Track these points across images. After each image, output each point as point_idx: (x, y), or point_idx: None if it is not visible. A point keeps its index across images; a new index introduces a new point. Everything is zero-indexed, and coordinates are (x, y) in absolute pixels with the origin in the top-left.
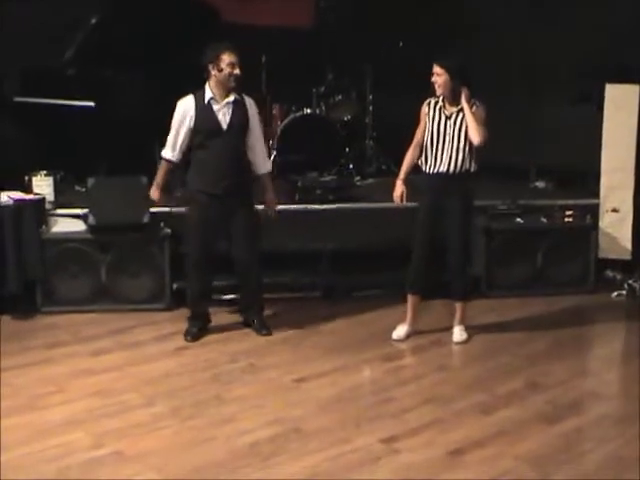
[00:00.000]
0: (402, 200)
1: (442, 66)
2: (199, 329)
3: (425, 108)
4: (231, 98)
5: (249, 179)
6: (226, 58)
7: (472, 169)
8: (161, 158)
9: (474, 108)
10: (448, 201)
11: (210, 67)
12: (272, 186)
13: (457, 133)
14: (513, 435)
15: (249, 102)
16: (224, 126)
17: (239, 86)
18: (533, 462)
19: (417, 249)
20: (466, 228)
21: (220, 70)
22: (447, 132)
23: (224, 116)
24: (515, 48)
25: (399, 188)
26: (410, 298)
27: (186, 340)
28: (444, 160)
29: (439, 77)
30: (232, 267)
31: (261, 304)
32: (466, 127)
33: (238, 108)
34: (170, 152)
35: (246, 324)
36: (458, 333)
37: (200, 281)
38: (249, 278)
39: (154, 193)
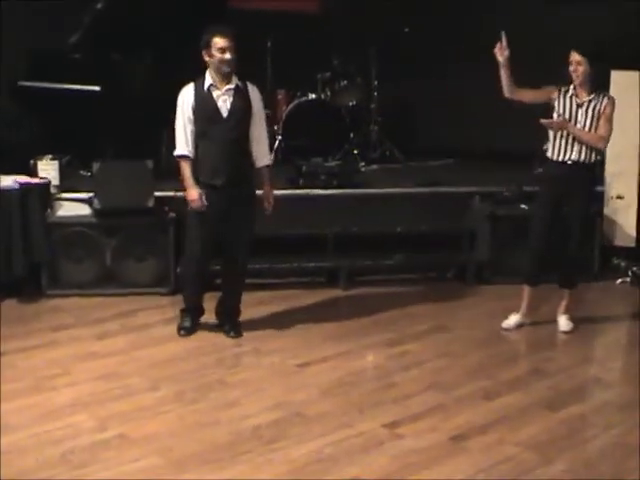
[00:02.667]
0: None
1: (583, 54)
2: (192, 322)
3: (555, 92)
4: (232, 84)
5: (251, 168)
6: (216, 42)
7: (597, 158)
8: (178, 157)
9: (605, 102)
10: (573, 190)
11: (204, 53)
12: (270, 180)
13: (589, 122)
14: (516, 421)
15: (252, 90)
16: (224, 113)
17: (233, 70)
18: (535, 448)
19: (535, 240)
20: (588, 218)
21: (211, 56)
22: (578, 120)
23: (224, 103)
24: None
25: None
26: (526, 289)
27: (180, 335)
28: (575, 148)
29: (579, 66)
30: None
31: (238, 299)
32: (597, 117)
33: (239, 95)
34: (185, 148)
35: (219, 324)
36: (565, 322)
37: (196, 275)
38: (235, 279)
39: (192, 194)
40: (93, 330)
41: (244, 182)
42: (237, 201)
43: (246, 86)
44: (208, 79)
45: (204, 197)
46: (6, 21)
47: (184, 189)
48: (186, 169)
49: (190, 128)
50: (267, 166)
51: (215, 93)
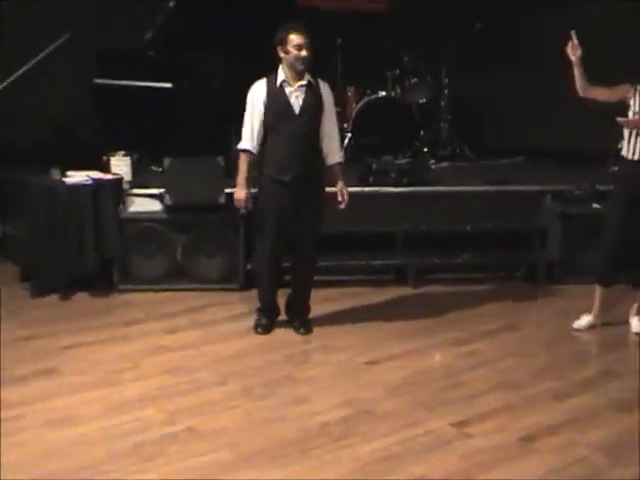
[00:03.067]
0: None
1: None
2: (269, 321)
3: (630, 91)
4: (304, 81)
5: (321, 164)
6: (293, 39)
7: None
8: (240, 151)
9: None
10: None
11: (279, 49)
12: (342, 176)
13: None
14: (586, 422)
15: (324, 87)
16: (296, 110)
17: (307, 68)
18: (605, 450)
19: (610, 240)
20: None
21: (287, 52)
22: None
23: (297, 99)
24: (595, 31)
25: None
26: (599, 289)
27: (257, 332)
28: None
29: None
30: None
31: (307, 296)
32: None
33: (311, 92)
34: (249, 142)
35: (289, 320)
36: (637, 324)
37: (270, 273)
38: (304, 276)
39: (239, 193)
40: (162, 325)
41: (314, 178)
42: (306, 197)
43: (317, 83)
44: (281, 75)
45: (270, 193)
46: (78, 20)
47: (255, 186)
48: (243, 164)
49: (258, 124)
50: (339, 163)
51: (288, 89)
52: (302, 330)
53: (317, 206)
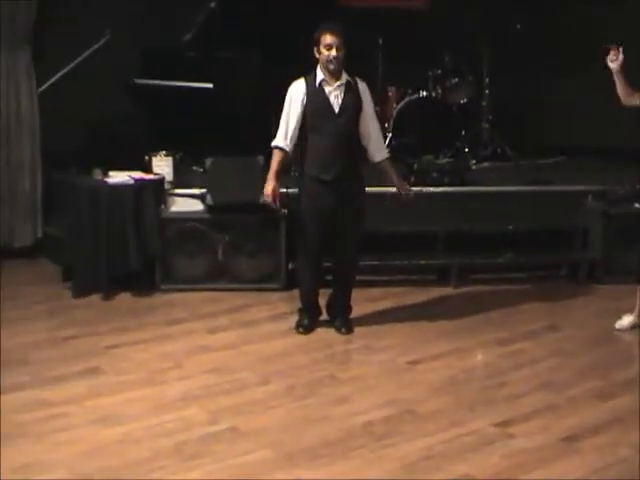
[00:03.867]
0: None
1: None
2: (311, 320)
3: None
4: (342, 80)
5: (361, 164)
6: (324, 39)
7: None
8: (273, 148)
9: None
10: None
11: (315, 50)
12: (395, 170)
13: None
14: (629, 423)
15: (362, 86)
16: (336, 109)
17: (340, 68)
18: None
19: None
20: None
21: (320, 52)
22: None
23: (336, 99)
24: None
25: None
26: None
27: (299, 332)
28: None
29: None
30: None
31: (349, 296)
32: None
33: (350, 91)
34: (282, 140)
35: (330, 320)
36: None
37: (312, 273)
38: (345, 275)
39: (267, 187)
40: (204, 324)
41: (354, 178)
42: (346, 197)
43: (356, 82)
44: (319, 75)
45: (311, 192)
46: (120, 20)
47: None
48: (275, 160)
49: (294, 122)
50: (387, 159)
51: (327, 89)
52: (344, 330)
53: (358, 205)
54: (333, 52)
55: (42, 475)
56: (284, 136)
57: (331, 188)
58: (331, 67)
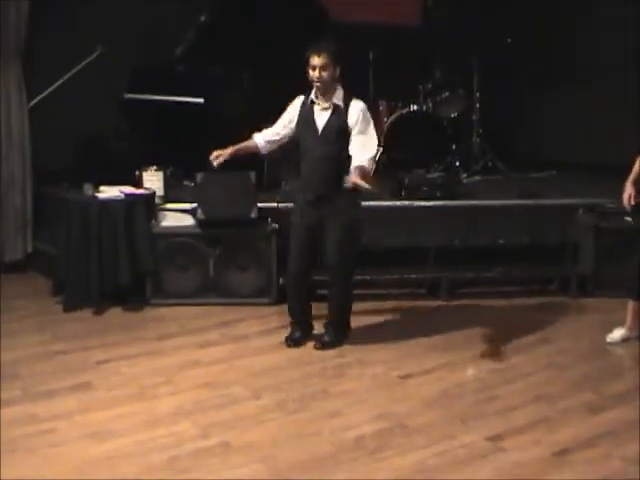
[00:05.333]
0: (630, 202)
1: None
2: (301, 334)
3: None
4: (330, 103)
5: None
6: (310, 60)
7: None
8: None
9: None
10: None
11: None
12: (356, 168)
13: None
14: (622, 436)
15: (355, 107)
16: (319, 130)
17: (324, 89)
18: None
19: None
20: None
21: (307, 72)
22: None
23: (321, 119)
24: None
25: (627, 191)
26: (632, 303)
27: (288, 345)
28: None
29: None
30: None
31: (335, 312)
32: None
33: (336, 113)
34: (262, 135)
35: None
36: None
37: (294, 287)
38: (333, 291)
39: (215, 154)
40: (196, 339)
41: (339, 198)
42: (330, 214)
43: (348, 104)
44: (313, 94)
45: (297, 208)
46: (111, 35)
47: (286, 200)
48: (245, 144)
49: (279, 128)
50: (358, 165)
51: (315, 108)
52: (316, 344)
53: (344, 221)
54: (316, 73)
55: None
56: (267, 133)
57: (314, 206)
58: (316, 87)
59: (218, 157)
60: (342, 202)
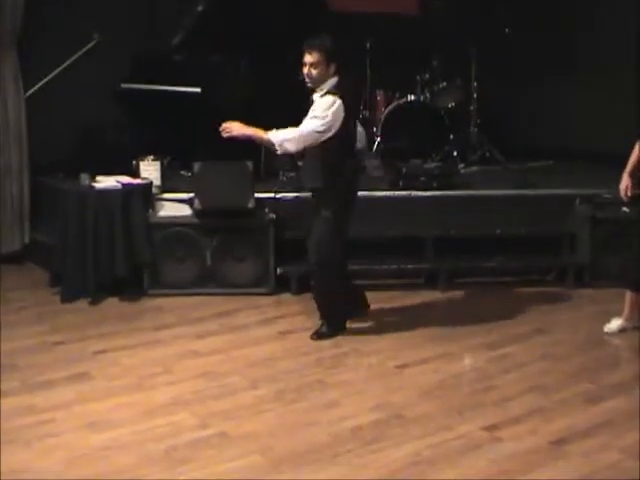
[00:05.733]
0: (627, 193)
1: None
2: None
3: None
4: (315, 95)
5: (332, 177)
6: (304, 56)
7: None
8: None
9: None
10: None
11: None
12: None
13: None
14: (619, 427)
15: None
16: None
17: (315, 86)
18: (638, 455)
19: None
20: None
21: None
22: None
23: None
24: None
25: (625, 182)
26: (629, 293)
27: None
28: None
29: None
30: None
31: (318, 306)
32: None
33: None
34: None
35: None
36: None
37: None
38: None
39: (227, 127)
40: (193, 329)
41: (321, 190)
42: (314, 205)
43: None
44: None
45: None
46: (108, 25)
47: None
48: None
49: None
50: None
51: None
52: (313, 334)
53: (320, 213)
54: (306, 70)
55: None
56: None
57: (312, 199)
58: (309, 84)
59: (228, 130)
60: (324, 198)
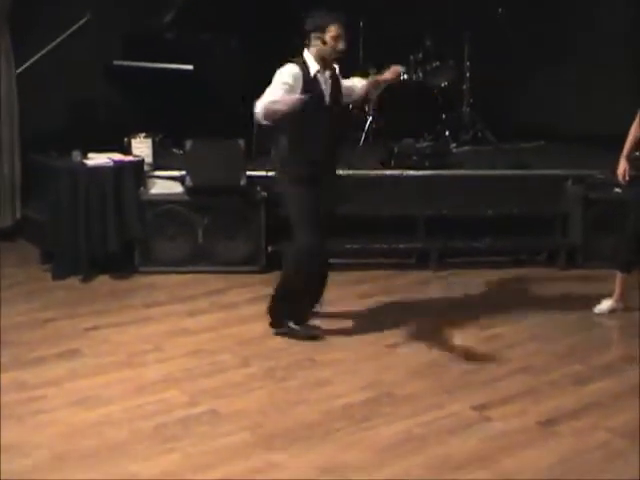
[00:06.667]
0: (625, 177)
1: None
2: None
3: None
4: (331, 71)
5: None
6: (333, 30)
7: None
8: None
9: None
10: None
11: (313, 37)
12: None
13: None
14: (608, 407)
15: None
16: (327, 100)
17: (335, 61)
18: (627, 435)
19: (631, 226)
20: None
21: (324, 42)
22: None
23: (327, 88)
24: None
25: (622, 165)
26: (619, 275)
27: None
28: None
29: None
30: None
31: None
32: None
33: (336, 81)
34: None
35: None
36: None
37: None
38: None
39: None
40: (184, 307)
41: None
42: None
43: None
44: (313, 64)
45: None
46: (100, 2)
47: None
48: None
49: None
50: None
51: (321, 79)
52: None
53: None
54: (341, 45)
55: (22, 456)
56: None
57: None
58: (336, 57)
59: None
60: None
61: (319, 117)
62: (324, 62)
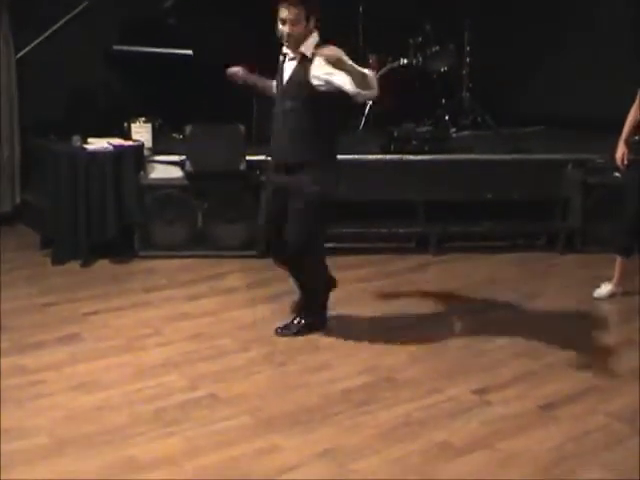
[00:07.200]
0: (623, 162)
1: None
2: None
3: None
4: (296, 54)
5: (314, 157)
6: (280, 12)
7: None
8: None
9: None
10: None
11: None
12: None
13: None
14: (607, 391)
15: (318, 59)
16: (283, 84)
17: (291, 45)
18: (626, 419)
19: (630, 210)
20: None
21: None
22: None
23: (287, 72)
24: None
25: (621, 149)
26: (619, 259)
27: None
28: None
29: None
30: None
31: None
32: None
33: (302, 64)
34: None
35: None
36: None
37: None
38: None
39: (233, 71)
40: (184, 291)
41: (303, 172)
42: (293, 192)
43: (313, 56)
44: (285, 49)
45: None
46: None
47: None
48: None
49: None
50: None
51: (285, 63)
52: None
53: (301, 205)
54: (286, 28)
55: (22, 440)
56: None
57: (279, 174)
58: (285, 43)
59: (234, 75)
60: (307, 181)
61: (277, 102)
62: (289, 46)
